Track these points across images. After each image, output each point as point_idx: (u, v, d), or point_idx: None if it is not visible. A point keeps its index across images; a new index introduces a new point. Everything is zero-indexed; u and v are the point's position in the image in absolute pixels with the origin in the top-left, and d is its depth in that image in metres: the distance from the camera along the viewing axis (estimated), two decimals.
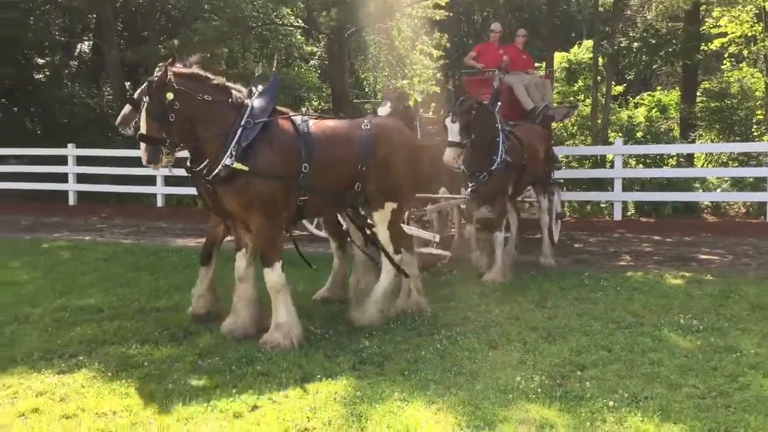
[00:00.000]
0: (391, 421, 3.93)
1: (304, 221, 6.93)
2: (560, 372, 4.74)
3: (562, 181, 13.35)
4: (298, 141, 5.53)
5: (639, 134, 16.18)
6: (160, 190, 14.96)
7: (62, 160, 15.92)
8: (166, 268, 8.54)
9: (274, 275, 5.39)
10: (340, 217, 6.72)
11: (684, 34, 17.16)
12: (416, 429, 3.84)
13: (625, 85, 21.72)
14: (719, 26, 16.86)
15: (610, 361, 4.93)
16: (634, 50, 18.03)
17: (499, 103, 8.30)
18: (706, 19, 17.72)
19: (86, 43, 24.30)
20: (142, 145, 5.26)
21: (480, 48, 10.95)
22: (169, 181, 14.62)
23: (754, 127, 16.51)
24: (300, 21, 19.80)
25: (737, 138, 16.04)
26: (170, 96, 5.16)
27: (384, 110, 7.44)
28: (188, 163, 5.52)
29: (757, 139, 15.68)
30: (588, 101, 18.35)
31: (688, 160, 15.30)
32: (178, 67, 5.35)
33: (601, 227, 12.24)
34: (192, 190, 10.07)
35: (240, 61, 19.95)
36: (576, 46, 20.44)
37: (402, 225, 6.37)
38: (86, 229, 12.64)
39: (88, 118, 18.95)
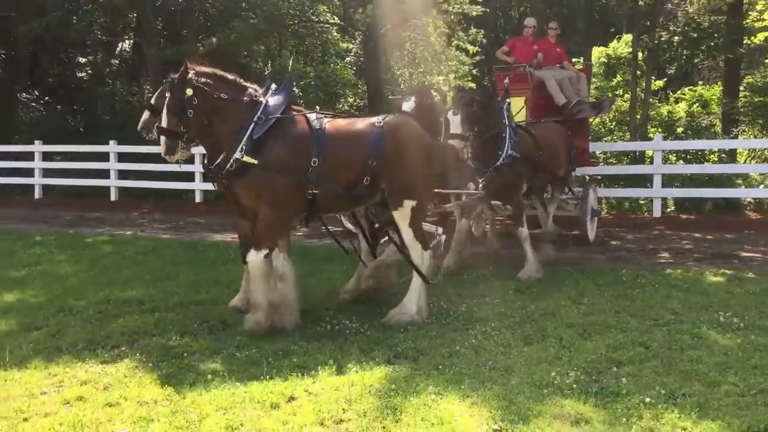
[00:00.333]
0: (426, 414, 3.96)
1: (342, 217, 6.99)
2: (596, 368, 4.71)
3: (599, 177, 13.28)
4: (310, 136, 5.70)
5: (679, 130, 15.89)
6: (198, 186, 15.18)
7: (104, 157, 16.26)
8: (204, 262, 8.70)
9: (257, 259, 5.57)
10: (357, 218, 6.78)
11: (726, 28, 16.76)
12: (450, 422, 3.86)
13: (665, 79, 21.33)
14: (763, 20, 16.46)
15: (647, 358, 4.89)
16: (675, 44, 17.66)
17: (523, 98, 8.21)
18: (750, 13, 17.31)
19: (127, 41, 24.77)
20: (162, 138, 5.59)
21: (514, 42, 10.74)
22: (207, 177, 14.81)
23: None
24: (336, 18, 19.87)
25: None
26: (189, 92, 5.48)
27: (408, 105, 7.38)
28: (205, 161, 5.79)
29: None
30: (627, 96, 18.08)
31: (730, 156, 14.98)
32: (198, 66, 5.63)
33: (639, 224, 12.09)
34: None
35: (276, 58, 20.12)
36: (615, 41, 20.14)
37: None
38: (127, 224, 12.94)
39: (128, 116, 19.26)
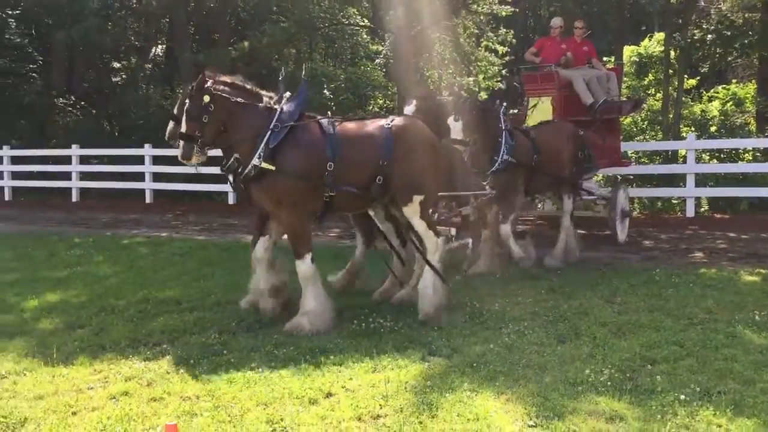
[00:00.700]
0: (461, 410, 4.03)
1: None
2: (630, 366, 4.73)
3: (632, 177, 13.19)
4: (324, 142, 5.91)
5: (713, 128, 15.69)
6: (230, 188, 15.34)
7: (139, 160, 16.57)
8: (238, 263, 8.82)
9: (304, 266, 5.83)
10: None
11: (760, 25, 16.52)
12: (486, 418, 3.93)
13: (698, 78, 21.06)
14: None
15: (682, 357, 4.90)
16: (708, 42, 17.45)
17: (549, 100, 8.25)
18: None
19: (160, 46, 25.18)
20: (180, 141, 5.84)
21: (542, 42, 10.73)
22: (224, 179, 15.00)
23: None
24: (366, 20, 20.01)
25: None
26: (207, 99, 5.73)
27: (409, 109, 7.66)
28: (222, 164, 6.00)
29: None
30: (659, 96, 17.91)
31: (765, 154, 14.75)
32: (216, 74, 5.91)
33: (672, 224, 11.99)
34: None
35: (307, 61, 20.31)
36: (647, 39, 19.95)
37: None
38: (162, 226, 13.18)
39: (162, 119, 19.54)
